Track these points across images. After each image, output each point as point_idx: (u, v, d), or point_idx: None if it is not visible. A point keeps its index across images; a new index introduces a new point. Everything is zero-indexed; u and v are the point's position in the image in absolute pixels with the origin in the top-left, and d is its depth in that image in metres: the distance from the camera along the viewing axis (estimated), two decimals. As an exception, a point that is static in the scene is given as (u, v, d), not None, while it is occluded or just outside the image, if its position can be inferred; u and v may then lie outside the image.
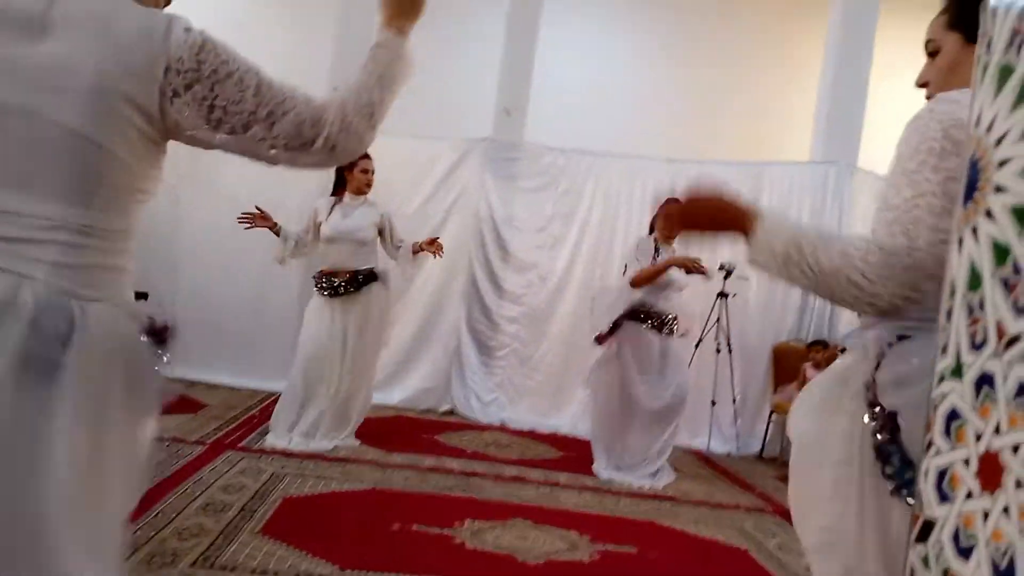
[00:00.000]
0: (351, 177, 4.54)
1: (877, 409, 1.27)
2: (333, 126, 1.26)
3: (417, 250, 4.68)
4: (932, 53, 1.46)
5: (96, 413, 1.15)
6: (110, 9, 1.18)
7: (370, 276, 4.52)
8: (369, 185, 4.60)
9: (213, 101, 1.20)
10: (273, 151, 1.25)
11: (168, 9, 1.33)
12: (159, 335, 1.28)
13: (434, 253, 4.76)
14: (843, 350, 1.49)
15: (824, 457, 1.35)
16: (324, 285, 4.49)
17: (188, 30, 1.20)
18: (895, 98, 7.81)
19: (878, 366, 1.30)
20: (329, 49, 6.62)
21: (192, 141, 1.25)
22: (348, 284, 4.47)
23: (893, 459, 1.22)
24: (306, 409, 4.48)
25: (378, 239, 4.65)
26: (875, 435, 1.26)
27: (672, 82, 8.15)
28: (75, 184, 1.15)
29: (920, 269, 1.21)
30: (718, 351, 5.76)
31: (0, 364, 1.07)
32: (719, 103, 8.09)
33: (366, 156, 4.57)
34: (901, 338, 1.29)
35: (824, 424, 1.39)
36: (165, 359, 1.27)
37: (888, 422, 1.24)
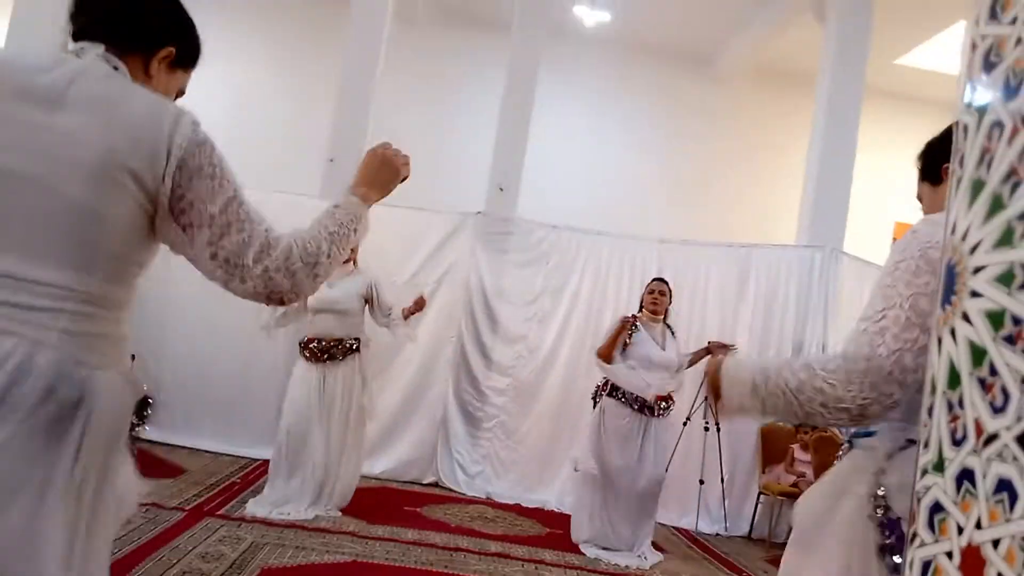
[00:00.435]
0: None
1: (880, 512, 1.31)
2: (276, 261, 1.28)
3: (407, 315, 4.69)
4: (919, 198, 1.62)
5: (96, 478, 1.20)
6: (123, 92, 1.26)
7: (353, 346, 4.58)
8: (354, 251, 4.66)
9: (184, 192, 1.24)
10: (214, 261, 1.27)
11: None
12: (141, 405, 1.33)
13: (420, 308, 4.76)
14: (849, 442, 1.52)
15: (829, 536, 1.38)
16: (307, 351, 4.54)
17: (195, 126, 1.27)
18: (880, 185, 8.06)
19: (884, 469, 1.34)
20: (327, 120, 6.79)
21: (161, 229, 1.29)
22: (330, 350, 4.51)
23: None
24: (290, 477, 4.44)
25: (366, 308, 4.68)
26: (881, 535, 1.29)
27: (661, 164, 8.38)
28: (82, 254, 1.21)
29: (877, 373, 1.28)
30: (706, 429, 5.75)
31: (11, 428, 1.11)
32: (707, 185, 8.32)
33: None
34: (911, 442, 1.32)
35: (831, 507, 1.41)
36: (145, 428, 1.32)
37: (896, 527, 1.27)
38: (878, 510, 1.31)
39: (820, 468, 5.01)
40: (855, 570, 1.31)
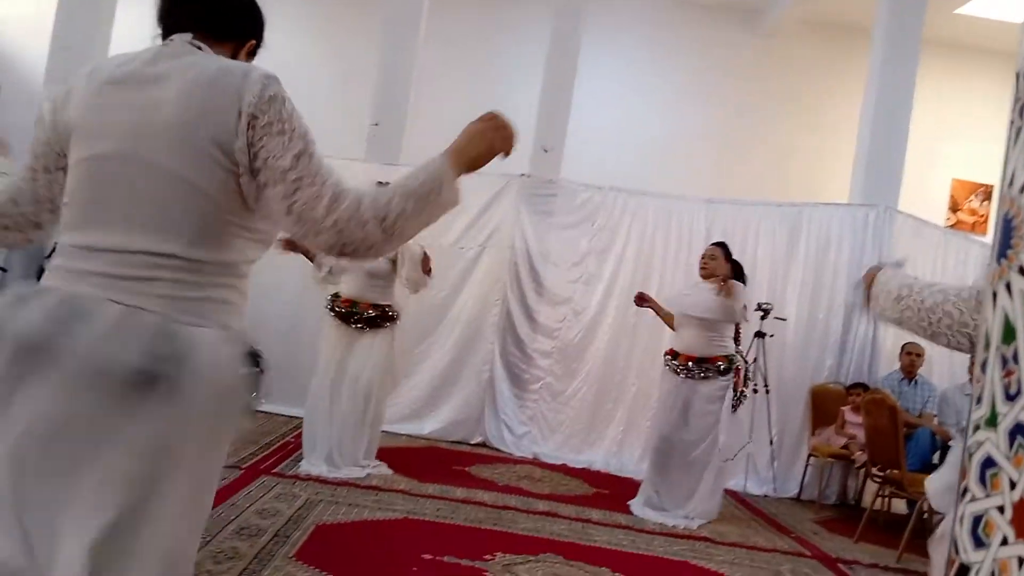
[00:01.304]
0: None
1: None
2: (345, 212, 1.27)
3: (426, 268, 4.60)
4: None
5: (202, 431, 1.25)
6: (196, 60, 1.33)
7: (384, 316, 4.57)
8: None
9: (258, 150, 1.27)
10: (289, 217, 1.29)
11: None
12: (255, 360, 1.34)
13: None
14: None
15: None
16: (339, 312, 4.54)
17: (265, 83, 1.30)
18: (937, 140, 7.79)
19: None
20: (371, 85, 6.80)
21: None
22: (363, 320, 4.52)
23: None
24: (332, 435, 4.51)
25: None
26: None
27: (709, 122, 8.20)
28: (177, 222, 1.27)
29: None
30: (755, 391, 5.70)
31: (115, 384, 1.18)
32: (757, 143, 8.13)
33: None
34: None
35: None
36: (261, 386, 1.34)
37: None
38: None
39: (871, 431, 4.95)
40: None
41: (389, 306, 4.60)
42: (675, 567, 3.78)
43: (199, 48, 1.36)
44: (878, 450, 4.91)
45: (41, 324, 1.20)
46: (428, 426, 6.10)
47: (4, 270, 5.75)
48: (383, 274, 4.57)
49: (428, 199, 1.33)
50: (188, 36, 1.36)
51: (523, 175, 6.33)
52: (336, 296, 4.59)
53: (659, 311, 4.95)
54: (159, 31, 1.41)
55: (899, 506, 5.58)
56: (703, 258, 4.81)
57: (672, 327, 4.85)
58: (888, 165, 6.25)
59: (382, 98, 6.72)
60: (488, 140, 1.43)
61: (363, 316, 4.53)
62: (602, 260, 6.28)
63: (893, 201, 6.16)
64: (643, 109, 8.24)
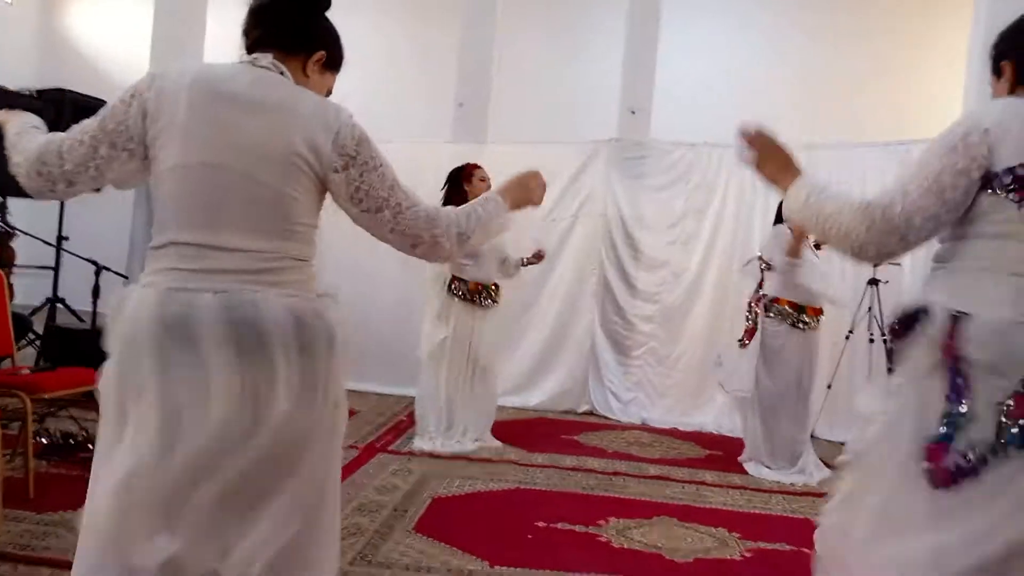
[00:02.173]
0: (470, 187, 4.58)
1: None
2: (438, 230, 1.63)
3: (526, 263, 4.85)
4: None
5: (328, 388, 1.56)
6: (294, 95, 1.57)
7: (492, 296, 4.71)
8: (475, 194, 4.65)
9: (359, 184, 1.57)
10: (392, 234, 1.62)
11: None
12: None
13: (539, 260, 4.91)
14: None
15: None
16: (475, 298, 4.66)
17: (352, 123, 1.57)
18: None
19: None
20: (453, 65, 6.82)
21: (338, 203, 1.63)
22: (486, 296, 4.65)
23: None
24: (448, 412, 4.62)
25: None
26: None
27: (806, 63, 7.81)
28: (278, 226, 1.54)
29: (886, 225, 1.47)
30: (871, 341, 5.45)
31: (287, 360, 1.48)
32: (860, 81, 7.68)
33: (478, 166, 4.69)
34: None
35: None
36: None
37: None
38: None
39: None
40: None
41: (497, 285, 4.76)
42: (795, 524, 3.67)
43: (282, 74, 1.59)
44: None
45: (175, 313, 1.46)
46: (535, 398, 6.14)
47: (126, 277, 6.11)
48: (486, 256, 4.62)
49: (491, 226, 1.73)
50: (269, 57, 1.60)
51: (611, 139, 6.23)
52: (462, 281, 4.66)
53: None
54: (243, 44, 1.66)
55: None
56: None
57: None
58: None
59: (465, 78, 6.73)
60: (527, 191, 1.84)
61: (491, 295, 4.69)
62: (699, 220, 6.11)
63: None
64: (734, 57, 7.92)
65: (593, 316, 6.16)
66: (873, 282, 5.42)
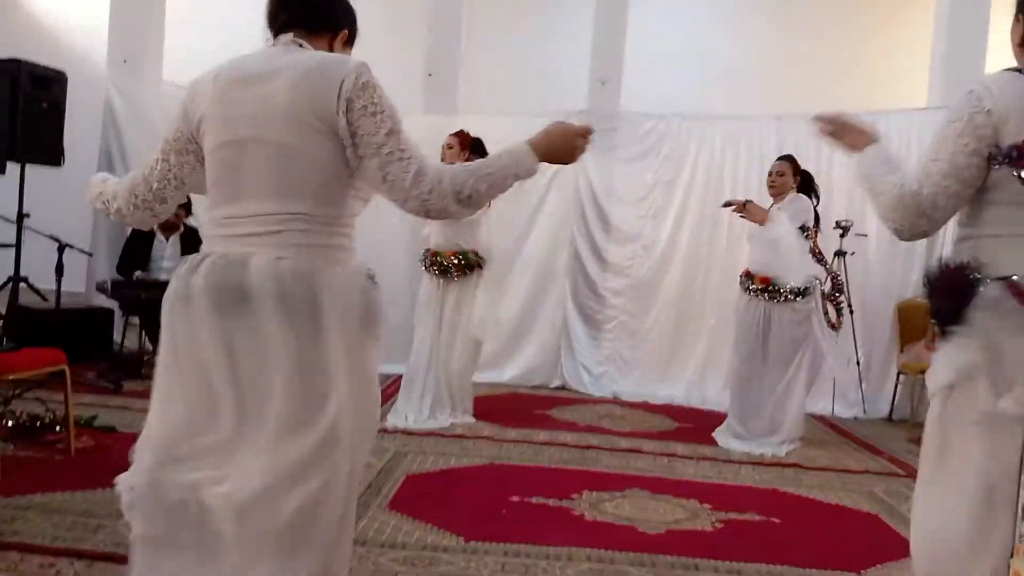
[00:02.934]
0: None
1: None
2: (428, 185, 1.56)
3: None
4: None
5: (353, 355, 1.58)
6: (300, 55, 1.63)
7: (476, 262, 4.63)
8: (443, 160, 4.55)
9: (356, 128, 1.56)
10: (383, 185, 1.59)
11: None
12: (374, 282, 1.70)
13: None
14: None
15: None
16: (433, 266, 4.62)
17: (359, 72, 1.57)
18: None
19: None
20: (423, 35, 6.72)
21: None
22: (456, 268, 4.59)
23: None
24: (424, 389, 4.63)
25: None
26: None
27: (774, 36, 7.82)
28: (298, 187, 1.57)
29: (916, 207, 1.62)
30: (838, 312, 5.54)
31: (270, 316, 1.53)
32: (828, 52, 7.70)
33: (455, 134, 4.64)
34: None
35: None
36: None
37: None
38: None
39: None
40: None
41: (474, 252, 4.63)
42: (764, 495, 3.74)
43: (300, 45, 1.65)
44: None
45: (219, 277, 1.55)
46: (507, 373, 6.16)
47: (90, 254, 6.00)
48: (464, 221, 4.51)
49: (502, 179, 1.62)
50: (290, 35, 1.67)
51: (581, 111, 6.19)
52: (426, 251, 4.66)
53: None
54: (270, 34, 1.72)
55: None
56: (770, 175, 4.65)
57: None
58: (967, 63, 5.84)
59: (434, 47, 6.64)
60: (570, 146, 1.71)
61: (448, 265, 4.60)
62: (670, 191, 6.14)
63: (977, 100, 5.78)
64: (704, 28, 7.89)
65: (565, 290, 6.18)
66: (840, 254, 5.49)
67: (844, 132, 1.90)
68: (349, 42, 1.78)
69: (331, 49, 1.72)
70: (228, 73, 1.65)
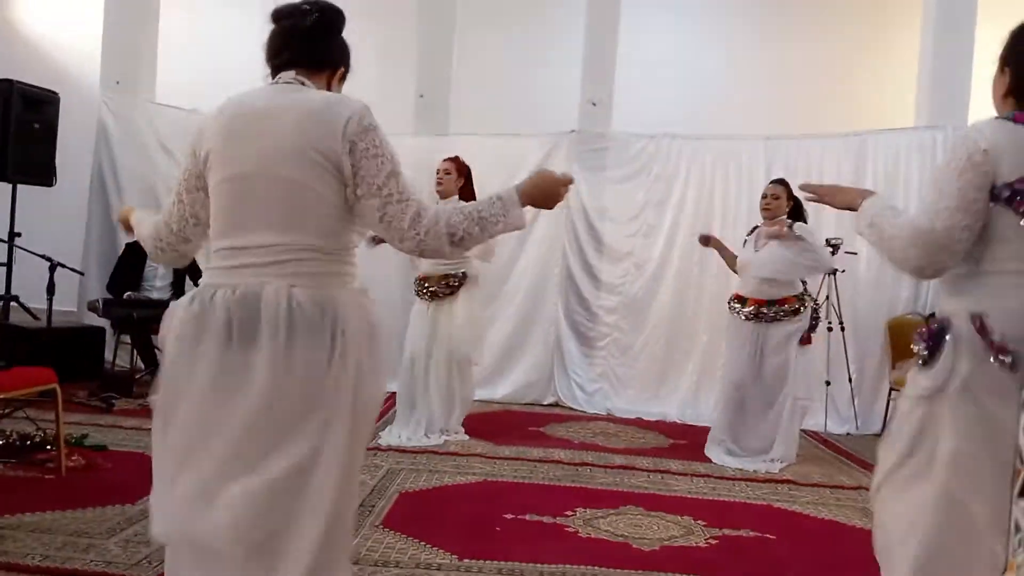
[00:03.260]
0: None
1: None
2: (424, 228, 1.66)
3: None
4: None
5: (357, 362, 1.65)
6: (305, 96, 1.70)
7: (462, 280, 4.68)
8: (440, 185, 4.64)
9: (357, 168, 1.64)
10: (381, 224, 1.67)
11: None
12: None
13: None
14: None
15: None
16: (422, 291, 4.71)
17: (362, 115, 1.66)
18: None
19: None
20: (413, 57, 6.77)
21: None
22: (442, 289, 4.65)
23: None
24: (416, 407, 4.64)
25: None
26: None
27: (762, 58, 7.90)
28: (296, 218, 1.65)
29: (935, 243, 1.67)
30: (829, 329, 5.57)
31: (276, 338, 1.59)
32: (815, 73, 7.78)
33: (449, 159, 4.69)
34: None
35: None
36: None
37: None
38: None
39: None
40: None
41: (463, 273, 4.69)
42: (758, 511, 3.74)
43: (303, 83, 1.73)
44: None
45: (232, 307, 1.61)
46: (500, 391, 6.16)
47: (81, 273, 5.98)
48: None
49: (493, 224, 1.72)
50: (292, 73, 1.73)
51: (572, 131, 6.25)
52: (417, 278, 4.78)
53: (724, 252, 4.84)
54: (268, 70, 1.79)
55: None
56: (764, 198, 4.67)
57: (735, 270, 4.77)
58: (953, 83, 5.92)
59: (425, 69, 6.69)
60: (554, 192, 1.80)
61: (444, 286, 4.68)
62: (661, 211, 6.17)
63: (962, 120, 5.84)
64: (694, 49, 7.98)
65: (557, 308, 6.19)
66: (831, 272, 5.52)
67: (835, 193, 2.01)
68: (343, 78, 1.87)
69: (329, 86, 1.81)
70: (233, 109, 1.71)
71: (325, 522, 1.61)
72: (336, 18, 1.82)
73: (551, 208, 1.85)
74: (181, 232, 1.83)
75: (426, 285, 4.70)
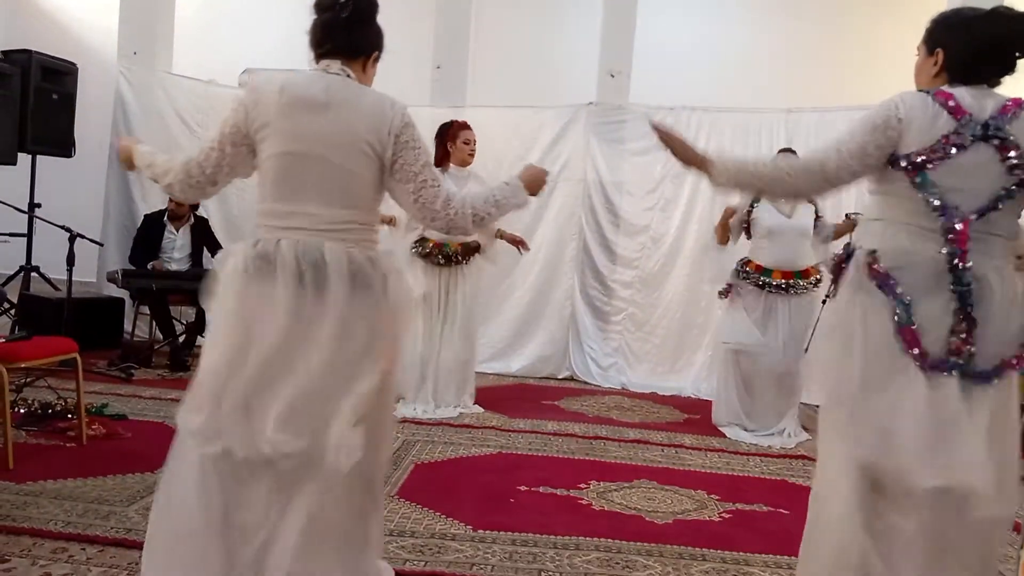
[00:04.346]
0: (454, 149, 4.61)
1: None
2: (453, 210, 2.02)
3: (498, 236, 4.76)
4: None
5: (397, 305, 1.99)
6: (359, 93, 1.99)
7: (476, 248, 4.68)
8: (472, 155, 4.65)
9: (397, 157, 1.97)
10: (415, 206, 2.02)
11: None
12: None
13: (518, 248, 4.89)
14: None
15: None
16: (436, 255, 4.60)
17: (404, 114, 1.99)
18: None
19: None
20: (431, 28, 6.71)
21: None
22: (460, 255, 4.61)
23: None
24: (428, 378, 4.65)
25: None
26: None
27: (783, 28, 7.77)
28: (350, 198, 1.97)
29: (822, 177, 2.03)
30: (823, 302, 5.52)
31: (342, 293, 1.89)
32: (837, 44, 7.65)
33: (467, 127, 4.65)
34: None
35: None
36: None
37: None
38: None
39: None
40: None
41: (478, 241, 4.66)
42: (772, 486, 3.74)
43: (348, 75, 2.00)
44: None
45: (299, 255, 1.89)
46: (515, 364, 6.17)
47: (100, 244, 6.03)
48: None
49: (505, 205, 2.11)
50: (339, 64, 2.00)
51: (590, 104, 6.19)
52: (424, 240, 4.63)
53: (727, 222, 4.69)
54: (314, 52, 2.04)
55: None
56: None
57: (724, 241, 4.66)
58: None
59: (443, 41, 6.64)
60: (541, 182, 2.22)
61: (462, 253, 4.64)
62: (678, 184, 6.11)
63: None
64: (713, 20, 7.84)
65: (573, 282, 6.18)
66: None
67: (685, 148, 2.21)
68: (377, 59, 2.11)
69: (365, 69, 2.08)
70: (293, 91, 1.96)
71: (382, 439, 2.08)
72: (369, 8, 2.05)
73: (535, 195, 2.21)
74: (213, 176, 2.06)
75: (444, 250, 4.59)
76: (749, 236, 4.69)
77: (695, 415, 5.18)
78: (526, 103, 6.24)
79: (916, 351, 1.89)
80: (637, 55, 6.43)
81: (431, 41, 6.68)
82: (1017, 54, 1.97)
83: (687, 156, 2.18)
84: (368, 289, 1.93)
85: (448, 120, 4.76)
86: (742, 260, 4.69)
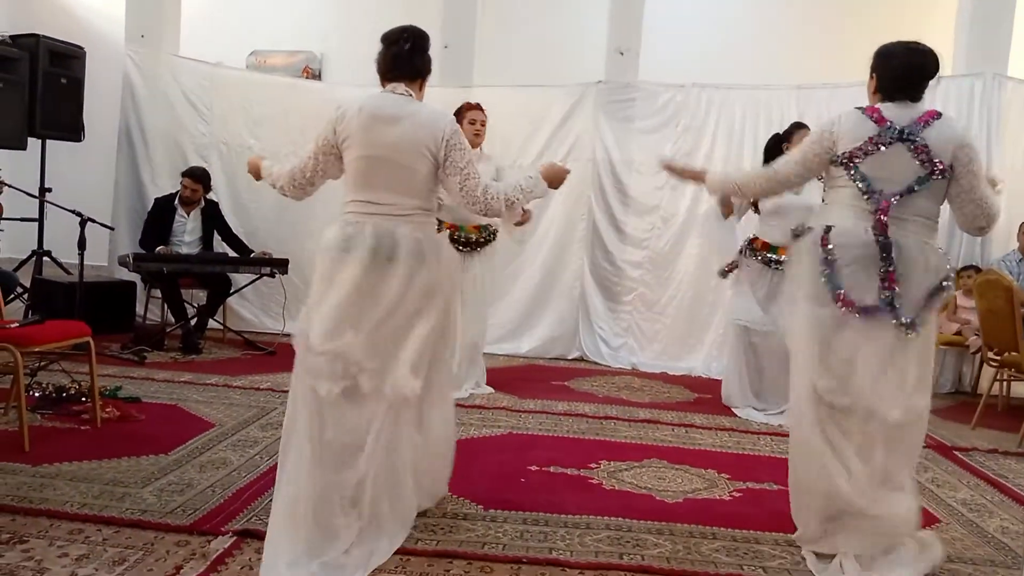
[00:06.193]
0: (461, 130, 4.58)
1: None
2: (489, 197, 2.59)
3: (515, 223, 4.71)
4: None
5: (450, 273, 2.69)
6: (417, 108, 2.60)
7: (492, 235, 4.67)
8: (478, 136, 4.61)
9: (447, 157, 2.56)
10: (460, 193, 2.58)
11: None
12: None
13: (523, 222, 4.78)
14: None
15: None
16: (452, 240, 4.58)
17: (452, 123, 2.59)
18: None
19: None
20: (438, 9, 6.66)
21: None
22: (476, 242, 4.61)
23: None
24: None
25: None
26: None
27: (795, 4, 7.67)
28: (412, 190, 2.57)
29: (775, 182, 2.80)
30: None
31: (408, 264, 2.51)
32: (847, 20, 7.54)
33: (476, 108, 4.61)
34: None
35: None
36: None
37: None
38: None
39: (985, 313, 4.70)
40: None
41: (490, 225, 4.64)
42: (782, 465, 3.69)
43: (410, 95, 2.62)
44: (994, 333, 4.68)
45: (377, 236, 2.51)
46: (525, 345, 6.18)
47: (111, 228, 6.05)
48: None
49: (529, 194, 2.68)
50: (403, 87, 2.62)
51: (599, 82, 6.15)
52: (439, 222, 4.60)
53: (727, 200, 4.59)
54: (381, 74, 2.67)
55: (1019, 390, 5.34)
56: (789, 143, 4.58)
57: (727, 214, 4.58)
58: (995, 28, 5.72)
59: (450, 19, 6.59)
60: (561, 177, 2.80)
61: (470, 239, 4.61)
62: (689, 162, 6.05)
63: (1002, 67, 5.67)
64: (723, -2, 7.76)
65: (582, 262, 6.17)
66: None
67: (694, 174, 3.11)
68: (427, 78, 2.71)
69: (420, 87, 2.69)
70: (369, 109, 2.56)
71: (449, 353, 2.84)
72: (422, 42, 2.67)
73: (556, 188, 2.82)
74: (312, 179, 2.71)
75: (460, 235, 4.57)
76: (757, 210, 4.66)
77: (706, 395, 5.18)
78: (534, 82, 6.20)
79: (844, 307, 2.53)
80: (646, 32, 6.37)
81: (439, 20, 6.62)
82: (926, 80, 2.65)
83: (689, 177, 3.15)
84: (427, 258, 2.52)
85: (462, 102, 4.74)
86: (749, 238, 4.67)
